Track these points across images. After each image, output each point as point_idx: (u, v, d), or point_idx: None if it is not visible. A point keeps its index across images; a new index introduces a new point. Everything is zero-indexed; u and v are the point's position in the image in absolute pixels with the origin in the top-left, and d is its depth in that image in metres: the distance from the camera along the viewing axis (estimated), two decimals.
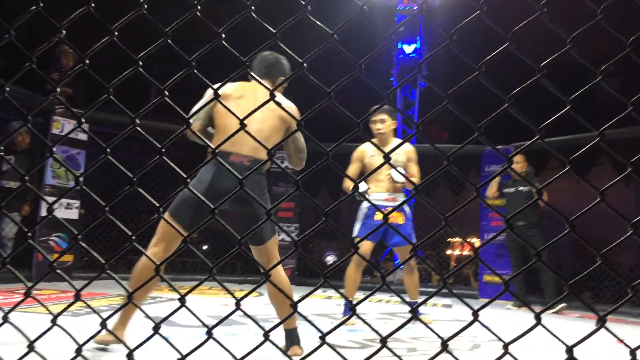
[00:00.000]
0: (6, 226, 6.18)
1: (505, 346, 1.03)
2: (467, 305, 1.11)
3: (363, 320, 1.11)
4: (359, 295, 6.64)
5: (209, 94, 2.62)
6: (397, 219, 4.52)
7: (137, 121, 1.16)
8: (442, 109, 1.08)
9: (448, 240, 11.44)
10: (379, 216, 4.51)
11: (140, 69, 1.18)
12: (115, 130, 7.13)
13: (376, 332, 1.12)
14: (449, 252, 12.65)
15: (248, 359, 1.11)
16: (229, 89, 2.75)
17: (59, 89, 5.34)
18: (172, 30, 1.22)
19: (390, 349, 1.08)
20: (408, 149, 4.66)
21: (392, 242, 4.63)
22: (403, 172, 4.42)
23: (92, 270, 7.33)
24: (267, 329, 1.11)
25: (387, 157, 1.09)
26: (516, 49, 1.08)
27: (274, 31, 1.15)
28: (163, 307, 4.50)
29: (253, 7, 1.17)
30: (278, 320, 1.72)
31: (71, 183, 6.64)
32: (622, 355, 1.05)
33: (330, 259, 9.28)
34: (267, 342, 1.12)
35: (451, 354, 1.07)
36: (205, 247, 10.21)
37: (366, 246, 4.50)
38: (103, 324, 1.16)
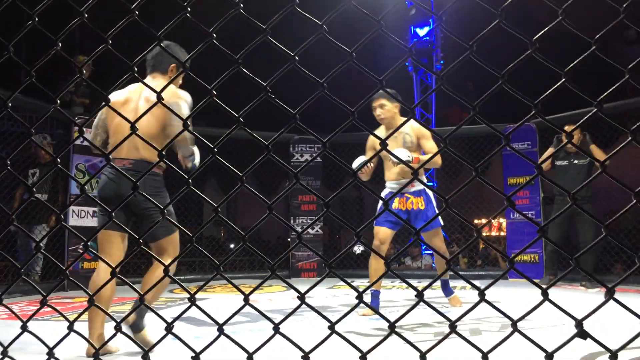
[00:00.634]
0: (36, 238, 6.33)
1: (514, 324, 1.02)
2: (474, 285, 1.11)
3: (370, 307, 1.11)
4: (387, 283, 6.64)
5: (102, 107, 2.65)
6: (417, 204, 4.41)
7: (137, 127, 1.18)
8: (462, 92, 1.07)
9: (475, 222, 11.33)
10: (396, 204, 4.44)
11: (136, 75, 1.19)
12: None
13: (385, 318, 1.12)
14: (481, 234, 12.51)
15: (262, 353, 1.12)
16: (116, 97, 2.71)
17: (77, 99, 5.33)
18: (165, 34, 1.23)
19: (398, 334, 1.08)
20: (415, 126, 4.36)
21: (418, 227, 4.49)
22: (406, 152, 4.16)
23: (122, 275, 7.44)
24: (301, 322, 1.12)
25: (383, 143, 1.09)
26: (507, 25, 1.07)
27: (264, 27, 1.15)
28: (182, 307, 4.57)
29: (242, 5, 1.17)
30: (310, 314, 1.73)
31: (96, 192, 6.76)
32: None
33: (357, 249, 9.27)
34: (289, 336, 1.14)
35: (460, 335, 1.06)
36: (232, 245, 10.30)
37: (382, 233, 4.41)
38: (117, 327, 1.19)
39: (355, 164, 4.28)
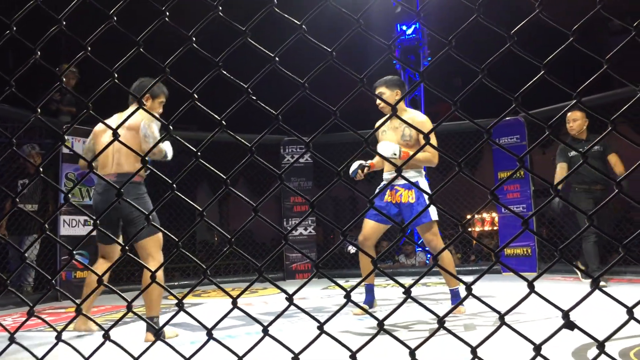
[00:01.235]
0: (28, 249, 6.29)
1: (502, 317, 1.03)
2: (460, 280, 1.11)
3: (359, 306, 1.11)
4: (382, 282, 6.65)
5: (91, 134, 3.85)
6: (406, 197, 4.21)
7: (119, 133, 1.18)
8: (452, 87, 1.07)
9: (468, 217, 11.37)
10: (387, 197, 4.29)
11: (116, 81, 1.19)
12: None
13: (374, 317, 1.12)
14: (469, 229, 12.57)
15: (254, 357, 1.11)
16: (99, 126, 3.75)
17: (63, 108, 5.36)
18: (148, 38, 1.23)
19: (388, 332, 1.09)
20: (419, 120, 4.24)
21: (421, 222, 4.16)
22: (393, 148, 4.02)
23: (114, 284, 7.45)
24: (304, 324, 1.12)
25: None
26: (486, 20, 1.07)
27: (243, 29, 1.15)
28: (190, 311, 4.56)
29: (220, 7, 1.17)
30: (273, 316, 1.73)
31: (87, 200, 6.73)
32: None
33: (351, 248, 9.27)
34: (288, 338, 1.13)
35: (449, 330, 1.07)
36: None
37: (368, 227, 4.26)
38: (105, 336, 1.18)
39: (352, 169, 4.25)
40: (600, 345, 0.99)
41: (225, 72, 1.17)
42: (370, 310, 4.04)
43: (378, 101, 4.15)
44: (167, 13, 1.19)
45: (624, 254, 0.96)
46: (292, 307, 1.15)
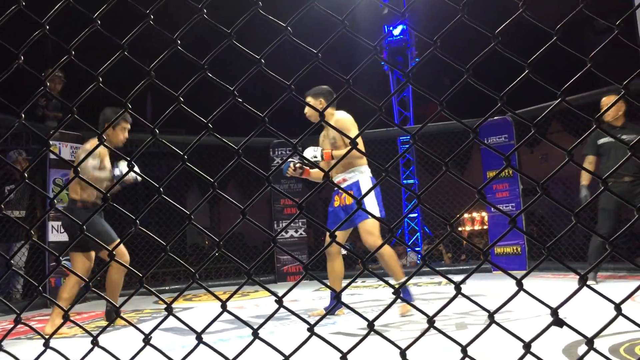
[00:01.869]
0: (14, 255, 6.24)
1: (491, 315, 1.03)
2: (450, 280, 1.11)
3: (350, 308, 1.11)
4: (374, 283, 6.66)
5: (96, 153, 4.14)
6: (346, 200, 4.20)
7: (104, 137, 1.17)
8: (440, 87, 1.08)
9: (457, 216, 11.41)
10: (337, 201, 4.32)
11: (101, 85, 1.18)
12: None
13: (364, 317, 1.12)
14: (460, 228, 12.62)
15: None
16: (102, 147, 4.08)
17: (49, 113, 5.40)
18: (135, 42, 1.22)
19: (379, 333, 1.08)
20: (338, 117, 4.20)
21: (355, 224, 4.20)
22: (313, 151, 4.08)
23: (104, 290, 7.39)
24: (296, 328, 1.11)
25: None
26: (470, 20, 1.07)
27: (228, 31, 1.15)
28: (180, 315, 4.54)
29: (205, 10, 1.16)
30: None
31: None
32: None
33: (343, 250, 9.27)
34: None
35: (439, 330, 1.07)
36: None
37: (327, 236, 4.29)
38: (94, 342, 1.17)
39: (285, 165, 4.29)
40: (589, 342, 0.99)
41: (211, 75, 1.16)
42: (336, 314, 4.05)
43: (305, 110, 4.19)
44: (152, 16, 1.19)
45: (611, 250, 0.97)
46: (284, 309, 1.14)
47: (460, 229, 12.67)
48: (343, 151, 4.04)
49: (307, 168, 4.34)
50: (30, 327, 1.28)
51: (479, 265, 1.12)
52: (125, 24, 1.54)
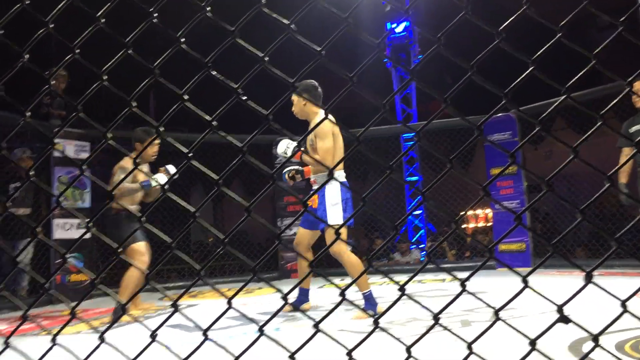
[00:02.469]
0: (20, 253, 6.26)
1: (496, 312, 1.03)
2: (455, 277, 1.11)
3: (355, 305, 1.11)
4: (377, 280, 6.67)
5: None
6: (315, 201, 4.17)
7: (109, 135, 1.17)
8: (443, 85, 1.08)
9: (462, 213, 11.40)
10: (310, 202, 4.35)
11: (106, 83, 1.18)
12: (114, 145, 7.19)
13: (370, 315, 1.12)
14: (463, 225, 12.61)
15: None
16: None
17: (53, 112, 5.43)
18: (139, 40, 1.22)
19: (384, 329, 1.09)
20: (315, 121, 4.20)
21: (319, 227, 4.24)
22: (285, 144, 4.30)
23: (112, 285, 7.43)
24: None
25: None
26: (473, 17, 1.07)
27: (232, 29, 1.15)
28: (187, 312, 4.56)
29: (208, 8, 1.16)
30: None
31: (79, 203, 6.70)
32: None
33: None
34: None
35: (444, 327, 1.07)
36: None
37: (298, 233, 4.41)
38: (101, 338, 1.18)
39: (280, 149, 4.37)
40: (595, 339, 0.99)
41: (215, 73, 1.16)
42: (302, 310, 4.05)
43: (293, 107, 4.34)
44: (156, 14, 1.19)
45: (617, 247, 0.97)
46: (288, 306, 1.15)
47: (464, 226, 12.66)
48: (313, 157, 4.12)
49: (305, 168, 4.39)
50: (38, 324, 1.29)
51: (485, 262, 1.12)
52: (128, 22, 1.55)
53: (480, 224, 13.02)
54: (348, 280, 7.21)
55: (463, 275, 1.17)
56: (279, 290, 1.15)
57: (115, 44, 1.24)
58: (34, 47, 1.27)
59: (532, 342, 1.02)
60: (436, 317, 1.07)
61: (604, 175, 0.99)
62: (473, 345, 1.07)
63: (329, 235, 4.01)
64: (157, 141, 4.73)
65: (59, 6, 1.22)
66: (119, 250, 1.21)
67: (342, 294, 1.11)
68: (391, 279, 1.13)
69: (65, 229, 6.48)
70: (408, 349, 1.09)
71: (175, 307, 1.17)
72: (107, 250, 7.66)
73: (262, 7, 1.14)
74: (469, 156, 9.64)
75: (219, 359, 2.43)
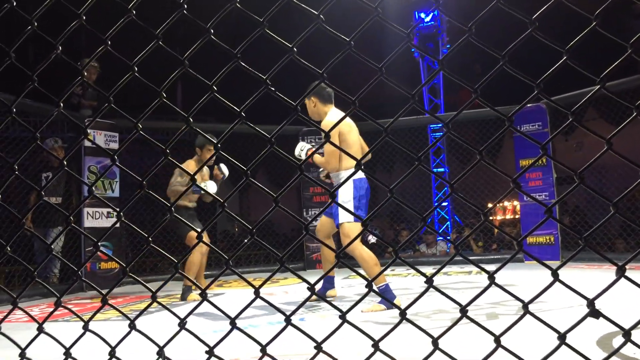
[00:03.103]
0: (54, 241, 6.41)
1: (525, 306, 1.02)
2: (483, 269, 1.10)
3: (382, 297, 1.11)
4: (403, 271, 6.64)
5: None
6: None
7: (140, 125, 1.19)
8: (471, 74, 1.06)
9: (490, 205, 11.26)
10: None
11: (137, 74, 1.20)
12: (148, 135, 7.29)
13: (396, 306, 1.12)
14: (490, 217, 12.46)
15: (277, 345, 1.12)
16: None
17: (85, 102, 5.49)
18: (164, 31, 1.23)
19: (410, 321, 1.09)
20: (325, 122, 4.27)
21: (336, 224, 4.36)
22: (300, 147, 4.39)
23: (139, 274, 7.58)
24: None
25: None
26: (506, 5, 1.05)
27: (260, 19, 1.15)
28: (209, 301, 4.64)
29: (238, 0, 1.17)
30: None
31: (109, 192, 6.82)
32: None
33: (371, 238, 9.26)
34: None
35: (472, 319, 1.06)
36: (245, 240, 10.35)
37: (320, 221, 4.70)
38: (131, 325, 1.20)
39: (298, 151, 4.44)
40: (627, 334, 0.97)
41: (243, 64, 1.17)
42: (329, 299, 4.09)
43: (308, 110, 4.45)
44: (185, 5, 1.20)
45: None
46: (313, 296, 1.15)
47: (491, 218, 12.51)
48: (321, 159, 4.34)
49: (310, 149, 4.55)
50: (71, 310, 1.32)
51: (514, 254, 1.11)
52: (160, 14, 1.56)
53: (508, 216, 12.86)
54: None
55: (489, 267, 1.16)
56: (305, 281, 1.16)
57: (146, 35, 1.26)
58: (64, 39, 1.29)
59: (562, 337, 1.01)
60: (464, 310, 1.06)
61: (638, 167, 0.96)
62: (500, 339, 1.06)
63: (343, 231, 4.11)
64: (211, 146, 5.38)
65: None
66: (148, 240, 1.23)
67: (369, 285, 1.11)
68: (418, 271, 1.12)
69: (95, 218, 6.61)
70: (435, 341, 1.09)
71: (203, 296, 1.19)
72: (136, 238, 7.81)
73: None
74: (497, 147, 9.51)
75: (245, 347, 2.46)
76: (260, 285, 1.18)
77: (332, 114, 4.30)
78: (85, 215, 6.52)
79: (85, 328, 1.24)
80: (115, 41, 1.23)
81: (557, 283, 1.04)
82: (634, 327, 0.99)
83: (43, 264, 6.17)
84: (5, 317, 1.38)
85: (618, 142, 1.04)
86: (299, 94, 1.16)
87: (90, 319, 1.26)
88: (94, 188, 1.28)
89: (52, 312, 1.31)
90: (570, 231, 6.94)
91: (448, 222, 9.80)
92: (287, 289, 5.62)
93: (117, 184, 6.97)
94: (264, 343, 1.17)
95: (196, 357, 2.34)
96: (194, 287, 5.43)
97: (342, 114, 3.85)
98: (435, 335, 1.10)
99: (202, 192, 5.25)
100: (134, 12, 1.22)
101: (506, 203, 12.80)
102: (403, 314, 1.09)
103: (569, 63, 1.02)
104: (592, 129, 1.12)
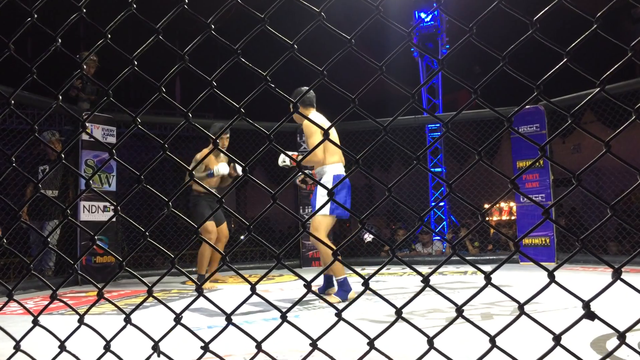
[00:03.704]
0: (51, 234, 6.39)
1: (521, 306, 1.02)
2: (480, 270, 1.10)
3: (378, 295, 1.11)
4: (398, 270, 6.64)
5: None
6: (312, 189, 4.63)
7: (139, 120, 1.19)
8: (470, 75, 1.06)
9: (486, 206, 11.28)
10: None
11: (136, 68, 1.19)
12: (143, 130, 7.28)
13: (392, 304, 1.12)
14: (487, 218, 12.49)
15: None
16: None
17: (83, 96, 5.48)
18: (164, 27, 1.23)
19: (406, 320, 1.09)
20: (305, 123, 4.53)
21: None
22: (282, 157, 4.58)
23: (134, 269, 7.57)
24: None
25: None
26: (507, 7, 1.05)
27: (262, 16, 1.15)
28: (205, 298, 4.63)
29: None
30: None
31: (106, 186, 6.81)
32: None
33: (367, 236, 9.27)
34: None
35: (467, 319, 1.06)
36: (242, 237, 10.35)
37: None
38: (127, 319, 1.20)
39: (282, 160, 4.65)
40: (621, 336, 0.98)
41: (244, 60, 1.16)
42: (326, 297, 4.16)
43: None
44: (187, 0, 1.19)
45: None
46: (309, 294, 1.15)
47: (487, 219, 12.54)
48: (307, 158, 4.42)
49: (312, 171, 4.73)
50: (67, 303, 1.32)
51: (511, 255, 1.11)
52: (159, 8, 1.55)
53: (504, 217, 12.89)
54: (368, 269, 7.22)
55: (485, 268, 1.17)
56: (302, 278, 1.16)
57: (145, 29, 1.25)
58: (62, 31, 1.28)
59: (557, 338, 1.01)
60: (460, 310, 1.06)
61: (637, 170, 0.97)
62: (495, 339, 1.06)
63: (312, 224, 4.36)
64: (227, 135, 5.81)
65: None
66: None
67: (365, 283, 1.11)
68: (415, 270, 1.13)
69: (91, 212, 6.60)
70: (430, 340, 1.09)
71: (199, 292, 1.19)
72: (132, 233, 7.80)
73: None
74: (494, 148, 9.54)
75: (240, 343, 2.46)
76: (257, 282, 1.18)
77: (312, 116, 4.53)
78: (82, 208, 6.51)
79: (81, 321, 1.24)
80: (114, 35, 1.23)
81: (552, 285, 1.04)
82: (628, 329, 0.99)
83: (39, 257, 6.15)
84: (0, 309, 1.37)
85: (615, 145, 1.04)
86: (291, 92, 1.16)
87: (86, 312, 1.26)
88: (91, 182, 1.28)
89: (47, 305, 1.30)
90: (567, 233, 6.96)
91: (444, 222, 9.81)
92: (283, 286, 5.62)
93: (114, 178, 6.96)
94: (258, 339, 1.17)
95: (191, 352, 2.35)
96: (206, 275, 5.59)
97: (322, 117, 4.57)
98: (431, 335, 1.10)
99: (216, 175, 5.59)
100: (135, 5, 1.21)
101: (502, 204, 12.83)
102: (399, 312, 1.09)
103: (570, 65, 1.02)
104: (592, 132, 1.12)
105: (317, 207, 4.30)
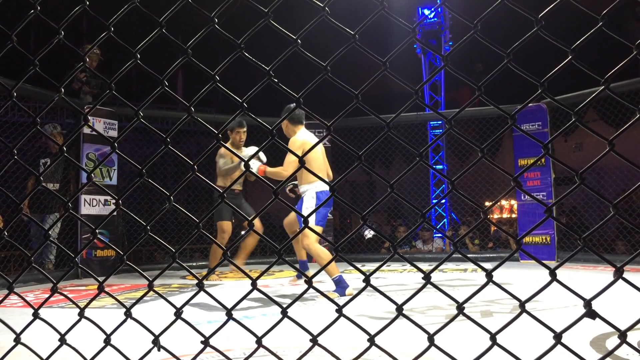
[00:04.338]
0: (52, 227, 6.39)
1: (522, 304, 1.02)
2: (482, 267, 1.10)
3: (379, 291, 1.11)
4: (398, 267, 6.65)
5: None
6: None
7: (141, 114, 1.18)
8: (472, 73, 1.06)
9: (487, 204, 11.27)
10: None
11: (139, 62, 1.19)
12: (145, 124, 7.27)
13: (392, 301, 1.12)
14: (488, 216, 12.47)
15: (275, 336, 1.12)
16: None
17: (86, 89, 5.48)
18: (167, 20, 1.22)
19: (406, 316, 1.09)
20: (291, 139, 4.83)
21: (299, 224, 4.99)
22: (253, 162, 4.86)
23: (135, 264, 7.58)
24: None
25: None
26: (513, 4, 1.05)
27: (265, 10, 1.14)
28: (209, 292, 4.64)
29: None
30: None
31: (107, 180, 6.81)
32: None
33: (367, 232, 9.27)
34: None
35: (468, 316, 1.06)
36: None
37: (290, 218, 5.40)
38: (127, 314, 1.20)
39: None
40: (622, 335, 0.98)
41: (247, 54, 1.16)
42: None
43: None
44: None
45: None
46: (309, 290, 1.15)
47: (488, 216, 12.53)
48: (276, 169, 4.75)
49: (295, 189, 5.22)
50: (67, 297, 1.32)
51: (512, 253, 1.11)
52: (163, 2, 1.55)
53: (505, 215, 12.88)
54: (368, 265, 7.22)
55: (486, 266, 1.16)
56: (303, 274, 1.16)
57: (149, 23, 1.25)
58: (64, 24, 1.28)
59: (558, 336, 1.01)
60: (460, 307, 1.06)
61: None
62: (496, 337, 1.06)
63: (303, 231, 4.43)
64: (241, 130, 5.81)
65: None
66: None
67: (367, 279, 1.11)
68: (416, 267, 1.12)
69: (92, 205, 6.60)
70: (431, 338, 1.09)
71: (200, 286, 1.18)
72: (133, 226, 7.81)
73: None
74: (496, 146, 9.53)
75: (240, 338, 2.47)
76: (258, 277, 1.18)
77: (300, 133, 4.86)
78: (83, 202, 6.51)
79: (81, 315, 1.24)
80: (117, 28, 1.22)
81: (553, 283, 1.04)
82: (629, 328, 0.99)
83: (39, 250, 6.17)
84: (1, 301, 1.37)
85: (617, 144, 1.04)
86: (302, 86, 1.15)
87: (86, 305, 1.26)
88: (92, 175, 1.28)
89: (48, 298, 1.30)
90: (568, 231, 6.96)
91: (445, 220, 9.81)
92: (283, 282, 5.63)
93: (115, 171, 6.96)
94: (259, 335, 1.17)
95: (191, 346, 2.35)
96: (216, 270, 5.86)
97: (310, 134, 4.94)
98: (431, 332, 1.10)
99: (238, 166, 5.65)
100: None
101: (503, 202, 12.82)
102: (400, 309, 1.09)
103: (574, 63, 1.02)
104: (595, 131, 1.11)
105: (302, 212, 4.57)
